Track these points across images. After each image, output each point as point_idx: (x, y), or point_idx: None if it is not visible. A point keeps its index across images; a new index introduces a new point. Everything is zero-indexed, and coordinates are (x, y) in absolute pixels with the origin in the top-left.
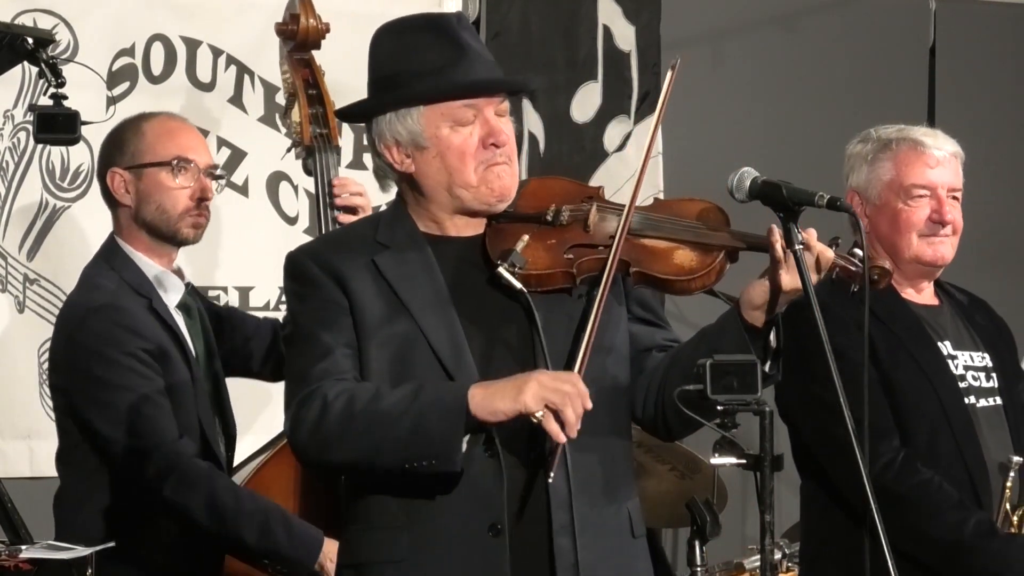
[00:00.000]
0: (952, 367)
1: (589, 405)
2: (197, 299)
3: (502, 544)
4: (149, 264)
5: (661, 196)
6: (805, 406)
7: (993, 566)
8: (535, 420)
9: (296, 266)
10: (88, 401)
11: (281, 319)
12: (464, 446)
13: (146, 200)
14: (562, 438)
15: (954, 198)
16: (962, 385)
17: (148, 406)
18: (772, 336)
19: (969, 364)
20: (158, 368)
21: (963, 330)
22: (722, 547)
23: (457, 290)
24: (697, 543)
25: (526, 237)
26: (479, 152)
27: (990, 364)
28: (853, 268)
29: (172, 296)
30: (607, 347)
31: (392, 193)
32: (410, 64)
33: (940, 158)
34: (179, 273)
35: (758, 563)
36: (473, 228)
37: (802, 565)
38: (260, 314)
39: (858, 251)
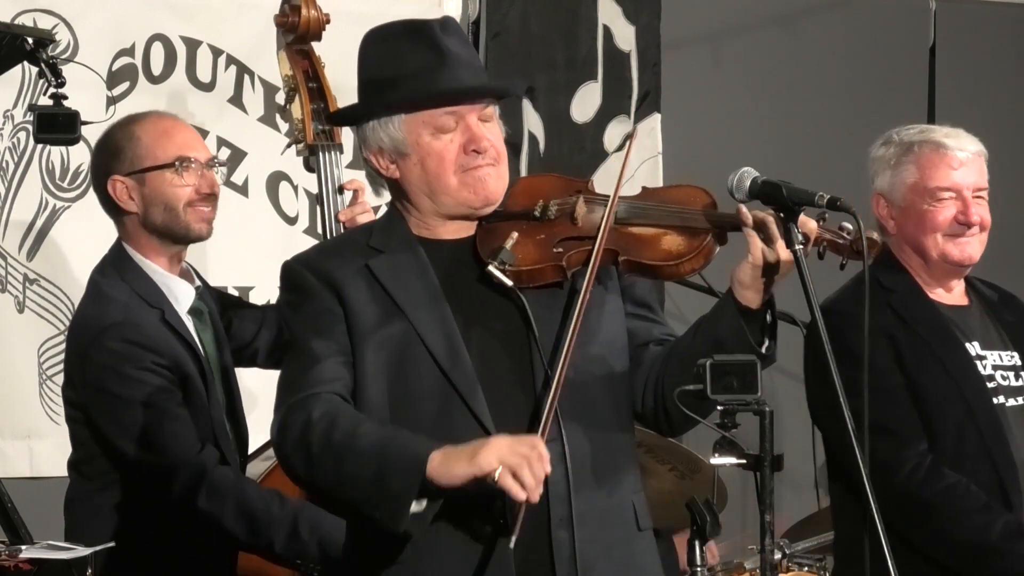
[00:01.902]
0: (980, 367)
1: (549, 469)
2: (208, 299)
3: (504, 538)
4: (159, 272)
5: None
6: (830, 411)
7: (1021, 568)
8: (492, 481)
9: (291, 275)
10: (108, 420)
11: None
12: (421, 507)
13: (153, 204)
14: (521, 496)
15: (979, 197)
16: (991, 385)
17: (168, 420)
18: (768, 317)
19: (999, 363)
20: (175, 380)
21: (992, 329)
22: (722, 547)
23: (451, 290)
24: (697, 543)
25: (515, 234)
26: (460, 157)
27: (1019, 363)
28: (840, 241)
29: (183, 303)
30: (601, 338)
31: (386, 196)
32: (392, 70)
33: (963, 159)
34: (189, 275)
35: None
36: (465, 230)
37: (836, 566)
38: None
39: (847, 224)
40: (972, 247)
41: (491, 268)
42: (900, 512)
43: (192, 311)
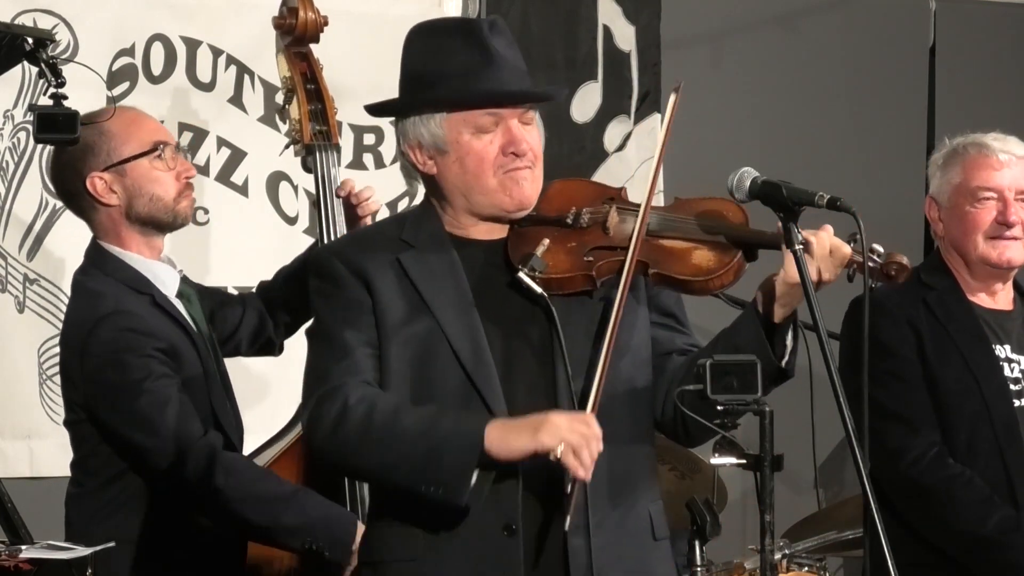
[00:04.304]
0: (1007, 369)
1: (601, 448)
2: (192, 285)
3: (515, 544)
4: (141, 260)
5: (662, 197)
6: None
7: (1019, 559)
8: (554, 459)
9: (321, 264)
10: (112, 411)
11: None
12: (473, 481)
13: (137, 194)
14: (582, 473)
15: (1022, 199)
16: (1015, 388)
17: (171, 405)
18: (790, 336)
19: None
20: (173, 366)
21: None
22: (722, 547)
23: (480, 292)
24: (697, 543)
25: (546, 241)
26: (498, 159)
27: None
28: (871, 264)
29: (170, 286)
30: (628, 349)
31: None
32: (437, 66)
33: (1005, 161)
34: (170, 262)
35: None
36: (497, 232)
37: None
38: None
39: (877, 247)
40: (1012, 250)
41: (521, 275)
42: (903, 498)
43: (180, 295)
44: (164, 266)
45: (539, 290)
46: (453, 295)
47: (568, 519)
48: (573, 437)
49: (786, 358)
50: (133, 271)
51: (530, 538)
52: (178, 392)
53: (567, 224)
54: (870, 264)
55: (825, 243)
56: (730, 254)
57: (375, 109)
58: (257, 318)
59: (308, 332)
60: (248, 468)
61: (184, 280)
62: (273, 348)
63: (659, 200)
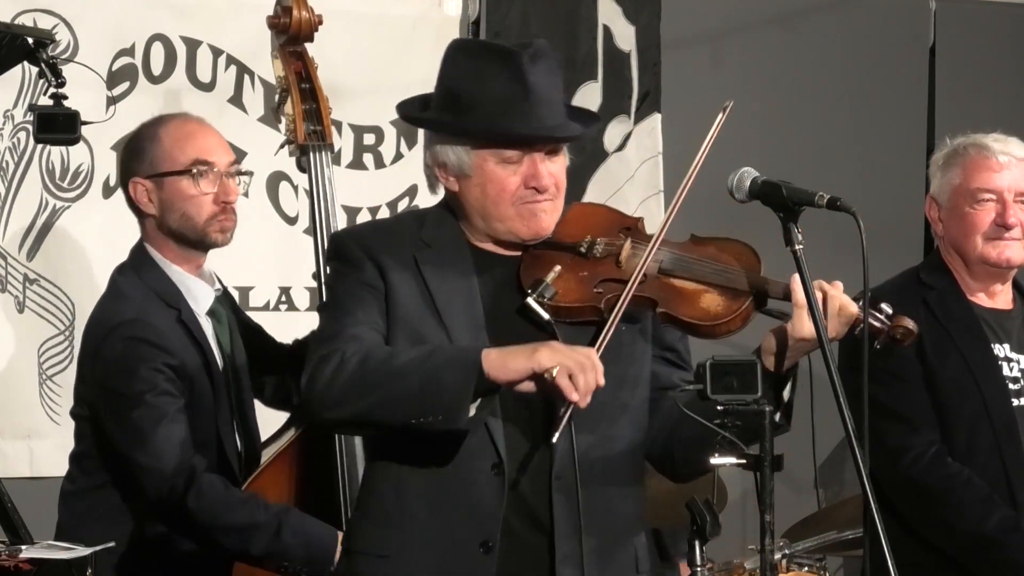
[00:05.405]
0: (1006, 369)
1: (602, 381)
2: (227, 307)
3: (491, 561)
4: (178, 272)
5: (662, 196)
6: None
7: (1018, 559)
8: (548, 377)
9: (339, 246)
10: (110, 417)
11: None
12: (473, 410)
13: (169, 209)
14: (574, 396)
15: (1021, 201)
16: (1014, 387)
17: (165, 423)
18: (788, 389)
19: None
20: (180, 385)
21: None
22: (722, 547)
23: (491, 308)
24: (697, 543)
25: (558, 268)
26: (519, 190)
27: None
28: (877, 324)
29: (202, 303)
30: (630, 381)
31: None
32: (473, 91)
33: (1005, 163)
34: (210, 278)
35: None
36: (514, 248)
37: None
38: (259, 314)
39: (885, 307)
40: (1012, 250)
41: (529, 300)
42: (902, 497)
43: (211, 312)
44: (199, 282)
45: (546, 316)
46: (464, 304)
47: (556, 435)
48: (570, 361)
49: (780, 413)
50: (168, 282)
51: (507, 558)
52: (176, 411)
53: (581, 253)
54: (876, 324)
55: (835, 302)
56: (739, 301)
57: (408, 117)
58: (286, 368)
59: (319, 308)
60: (224, 493)
61: (220, 299)
62: (289, 405)
63: (677, 233)
